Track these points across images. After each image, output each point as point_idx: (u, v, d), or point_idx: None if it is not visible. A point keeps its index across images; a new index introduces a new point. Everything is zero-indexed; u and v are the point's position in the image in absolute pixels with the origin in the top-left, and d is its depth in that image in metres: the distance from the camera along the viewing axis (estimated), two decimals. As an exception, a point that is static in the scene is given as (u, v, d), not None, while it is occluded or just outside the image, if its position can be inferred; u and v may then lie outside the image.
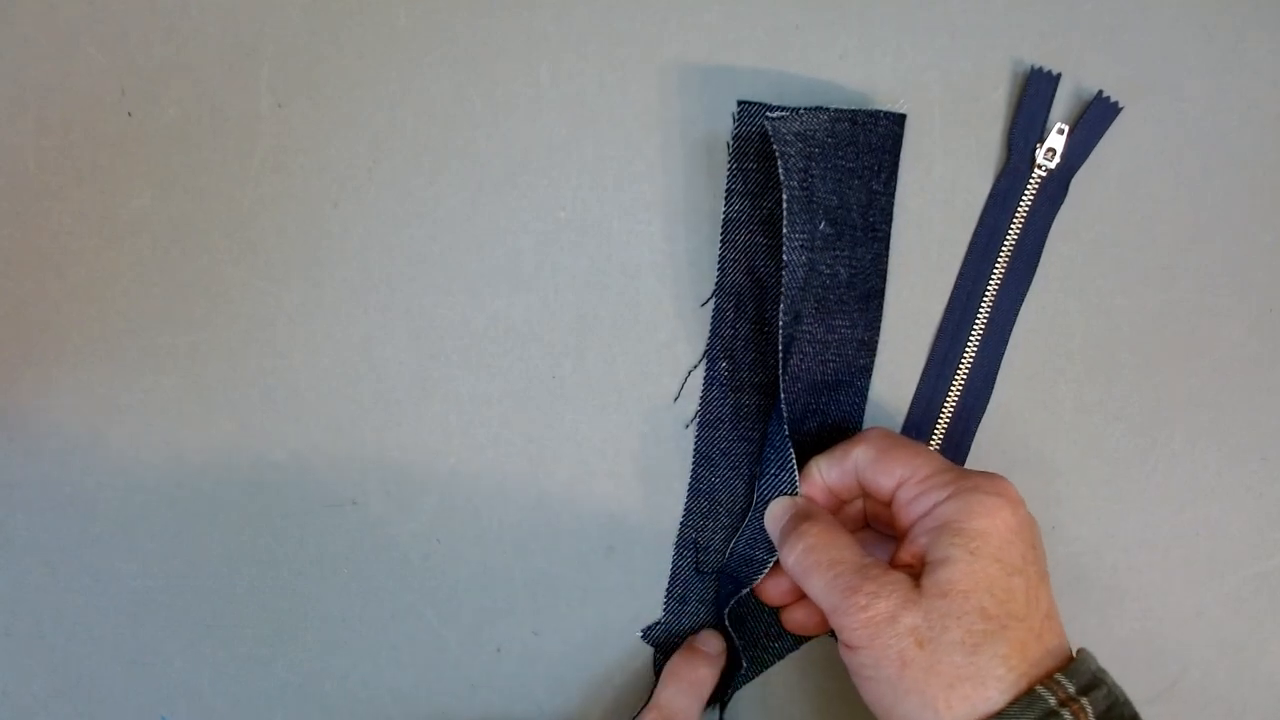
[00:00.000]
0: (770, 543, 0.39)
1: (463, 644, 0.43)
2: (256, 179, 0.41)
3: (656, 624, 0.43)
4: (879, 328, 0.41)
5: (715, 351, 0.41)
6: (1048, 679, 0.31)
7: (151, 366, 0.42)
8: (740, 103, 0.40)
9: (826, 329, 0.40)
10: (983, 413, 0.42)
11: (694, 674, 0.40)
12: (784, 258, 0.37)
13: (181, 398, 0.42)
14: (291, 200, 0.41)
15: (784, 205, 0.37)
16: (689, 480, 0.42)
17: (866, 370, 0.41)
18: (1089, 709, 0.31)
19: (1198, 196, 0.42)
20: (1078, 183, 0.41)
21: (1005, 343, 0.42)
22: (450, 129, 0.41)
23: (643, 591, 0.43)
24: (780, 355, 0.38)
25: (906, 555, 0.34)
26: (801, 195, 0.37)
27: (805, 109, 0.38)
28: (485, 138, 0.41)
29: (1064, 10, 0.41)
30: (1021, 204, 0.41)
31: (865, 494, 0.38)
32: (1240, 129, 0.42)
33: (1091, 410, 0.42)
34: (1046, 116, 0.41)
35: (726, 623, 0.41)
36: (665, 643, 0.43)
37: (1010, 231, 0.41)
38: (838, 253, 0.39)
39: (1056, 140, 0.40)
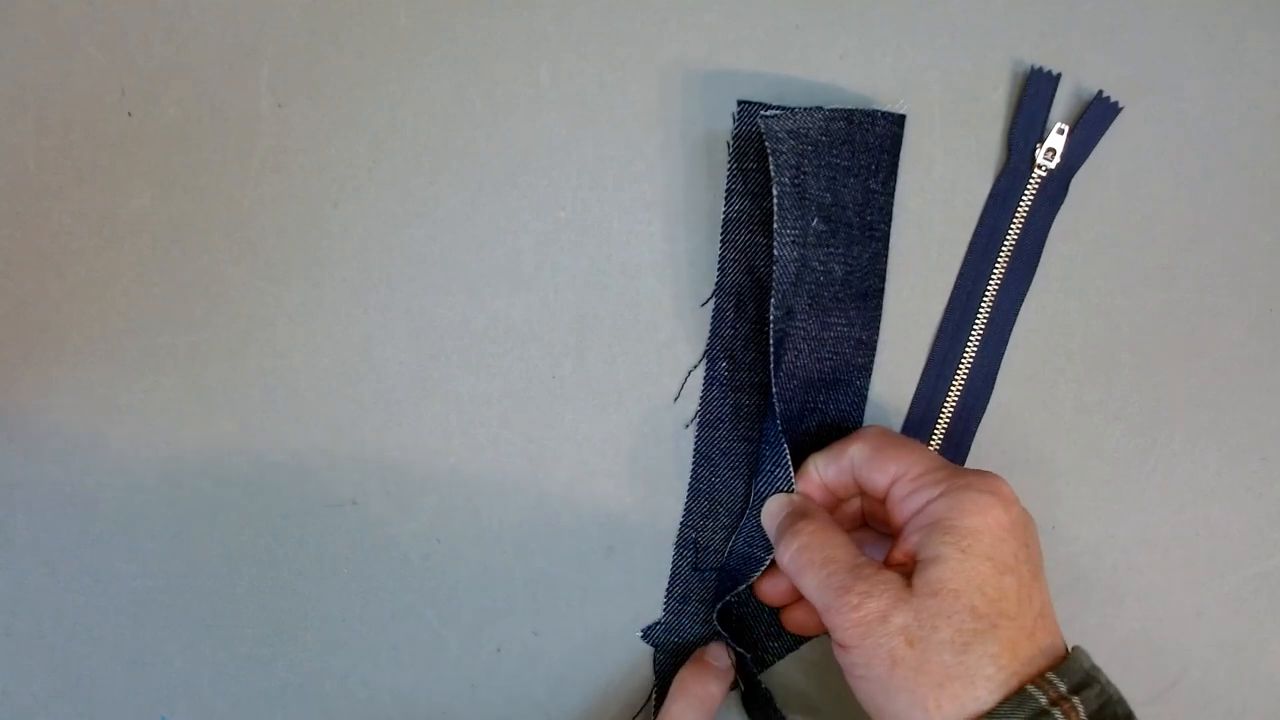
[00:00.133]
0: (768, 540, 0.39)
1: (463, 644, 0.43)
2: (256, 179, 0.41)
3: (656, 624, 0.43)
4: (878, 327, 0.41)
5: (715, 351, 0.41)
6: (1039, 678, 0.31)
7: (151, 366, 0.42)
8: (740, 103, 0.40)
9: (821, 326, 0.40)
10: (983, 413, 0.42)
11: (704, 689, 0.40)
12: (774, 253, 0.37)
13: (181, 398, 0.42)
14: (291, 200, 0.41)
15: (774, 200, 0.37)
16: (689, 480, 0.42)
17: (865, 369, 0.41)
18: (1080, 708, 0.31)
19: (1198, 196, 0.42)
20: (1078, 183, 0.41)
21: (1005, 343, 0.42)
22: (450, 129, 0.41)
23: (643, 591, 0.43)
24: (772, 350, 0.38)
25: (900, 554, 0.34)
26: (793, 191, 0.37)
27: (803, 108, 0.38)
28: (485, 138, 0.41)
29: (1064, 10, 0.41)
30: (1021, 204, 0.41)
31: (862, 492, 0.38)
32: (1240, 129, 0.42)
33: (1091, 410, 0.42)
34: (1046, 116, 0.41)
35: (715, 621, 0.41)
36: (665, 643, 0.43)
37: (1010, 231, 0.41)
38: (831, 250, 0.39)
39: (1056, 140, 0.40)
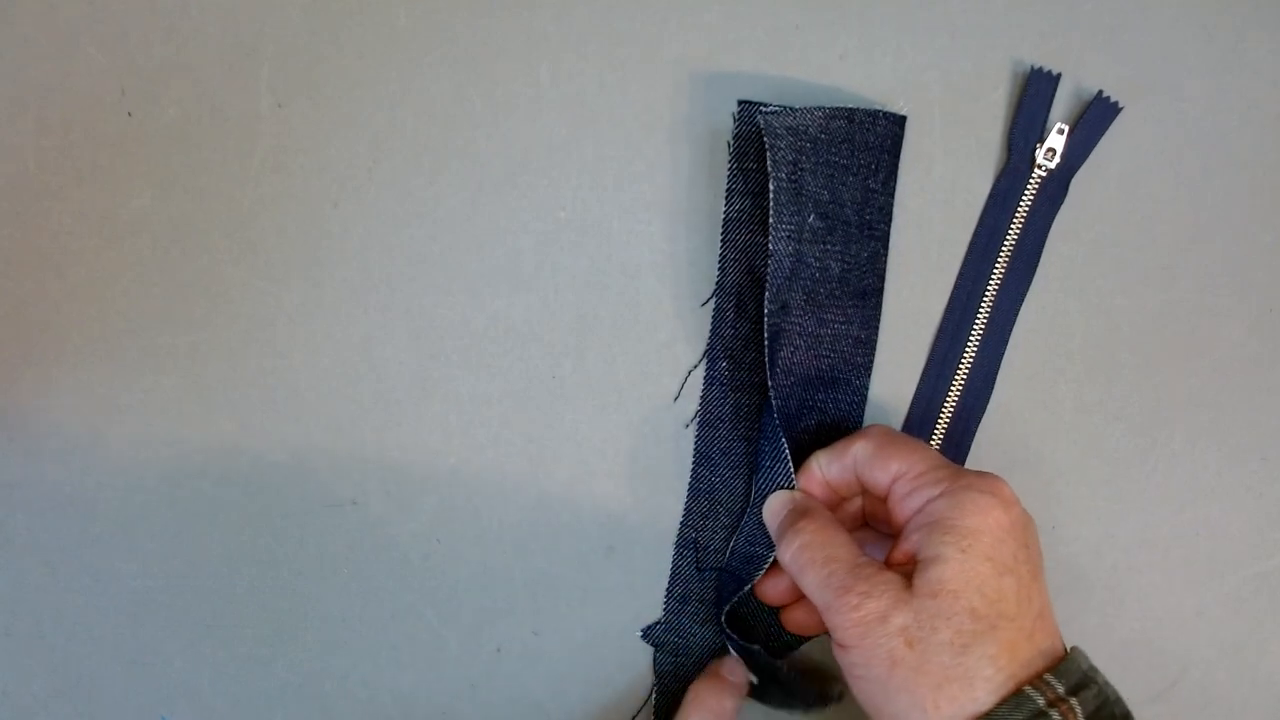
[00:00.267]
0: (769, 538, 0.39)
1: (463, 644, 0.43)
2: (256, 179, 0.41)
3: (656, 624, 0.43)
4: (877, 326, 0.41)
5: (715, 351, 0.41)
6: (1037, 679, 0.31)
7: (151, 366, 0.42)
8: (741, 102, 0.40)
9: (818, 323, 0.40)
10: (983, 413, 0.42)
11: (719, 704, 0.40)
12: (770, 247, 0.37)
13: (181, 398, 0.42)
14: (291, 200, 0.41)
15: (771, 195, 0.37)
16: (689, 480, 0.42)
17: (865, 368, 0.41)
18: (1078, 709, 0.31)
19: (1198, 196, 0.42)
20: (1078, 183, 0.41)
21: (1005, 343, 0.42)
22: (450, 129, 0.41)
23: (643, 591, 0.43)
24: (767, 344, 0.38)
25: (900, 554, 0.34)
26: (789, 186, 0.37)
27: (804, 107, 0.38)
28: (485, 138, 0.41)
29: (1064, 10, 0.41)
30: (1021, 204, 0.41)
31: (864, 491, 0.38)
32: (1240, 129, 0.42)
33: (1091, 410, 0.42)
34: (1046, 116, 0.41)
35: (723, 622, 0.41)
36: (665, 642, 0.43)
37: (1010, 231, 0.41)
38: (828, 247, 0.39)
39: (1056, 140, 0.40)
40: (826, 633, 0.40)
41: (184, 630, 0.43)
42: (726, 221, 0.41)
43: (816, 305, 0.40)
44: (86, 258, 0.41)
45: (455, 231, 0.42)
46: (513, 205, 0.41)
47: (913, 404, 0.42)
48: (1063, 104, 0.41)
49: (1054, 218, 0.41)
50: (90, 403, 0.42)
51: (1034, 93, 0.41)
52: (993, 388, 0.42)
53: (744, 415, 0.42)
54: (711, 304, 0.41)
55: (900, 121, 0.40)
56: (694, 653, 0.43)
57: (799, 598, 0.39)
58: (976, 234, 0.41)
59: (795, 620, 0.39)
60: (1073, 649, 0.33)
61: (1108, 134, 0.41)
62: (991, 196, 0.41)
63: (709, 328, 0.41)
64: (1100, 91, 0.40)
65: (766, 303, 0.38)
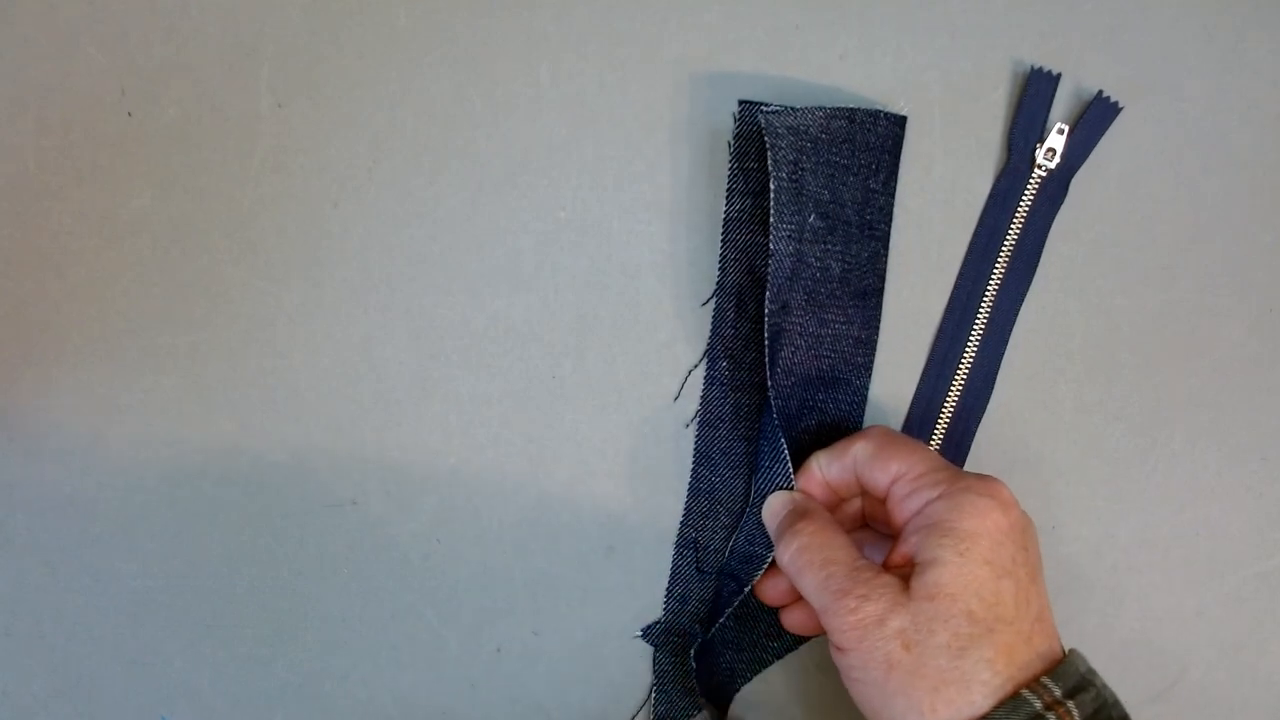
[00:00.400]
0: (769, 538, 0.39)
1: (463, 644, 0.43)
2: (256, 179, 0.41)
3: (656, 624, 0.43)
4: (877, 326, 0.41)
5: (716, 351, 0.41)
6: (1034, 682, 0.31)
7: (151, 366, 0.42)
8: (741, 102, 0.40)
9: (819, 323, 0.40)
10: (983, 413, 0.42)
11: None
12: (770, 246, 0.37)
13: (181, 398, 0.42)
14: (291, 200, 0.41)
15: (771, 195, 0.37)
16: (689, 480, 0.42)
17: (865, 368, 0.41)
18: (1075, 712, 0.31)
19: (1198, 196, 0.42)
20: (1078, 183, 0.41)
21: (1005, 343, 0.42)
22: (450, 129, 0.41)
23: (643, 591, 0.43)
24: (767, 343, 0.38)
25: (898, 556, 0.34)
26: (790, 186, 0.37)
27: (805, 107, 0.38)
28: (485, 138, 0.41)
29: (1064, 10, 0.41)
30: (1021, 204, 0.41)
31: (863, 492, 0.38)
32: (1240, 129, 0.42)
33: (1091, 410, 0.42)
34: (1046, 116, 0.41)
35: (692, 662, 0.41)
36: (665, 643, 0.43)
37: (1010, 231, 0.41)
38: (829, 247, 0.39)
39: (1056, 140, 0.40)
40: (825, 633, 0.40)
41: (184, 630, 0.43)
42: (727, 221, 0.41)
43: (817, 305, 0.40)
44: (86, 258, 0.41)
45: (455, 231, 0.42)
46: (513, 205, 0.41)
47: (913, 404, 0.42)
48: (1063, 104, 0.41)
49: (1054, 218, 0.41)
50: (90, 403, 0.42)
51: (1034, 93, 0.41)
52: (993, 388, 0.42)
53: (744, 415, 0.42)
54: (711, 304, 0.41)
55: (901, 122, 0.40)
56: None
57: (798, 598, 0.39)
58: (976, 234, 0.41)
59: (794, 620, 0.39)
60: (1071, 651, 0.33)
61: (1108, 134, 0.41)
62: (991, 196, 0.41)
63: (709, 328, 0.41)
64: (1100, 91, 0.40)
65: (767, 302, 0.38)
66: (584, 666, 0.43)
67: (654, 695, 0.43)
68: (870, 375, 0.42)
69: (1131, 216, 0.42)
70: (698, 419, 0.42)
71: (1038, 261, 0.41)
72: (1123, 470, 0.42)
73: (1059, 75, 0.40)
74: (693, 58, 0.41)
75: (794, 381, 0.40)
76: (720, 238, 0.41)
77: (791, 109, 0.38)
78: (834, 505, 0.39)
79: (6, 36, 0.40)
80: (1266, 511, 0.43)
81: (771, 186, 0.37)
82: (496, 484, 0.42)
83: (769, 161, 0.37)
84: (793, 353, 0.40)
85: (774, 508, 0.38)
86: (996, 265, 0.41)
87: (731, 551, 0.42)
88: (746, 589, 0.40)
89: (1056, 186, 0.41)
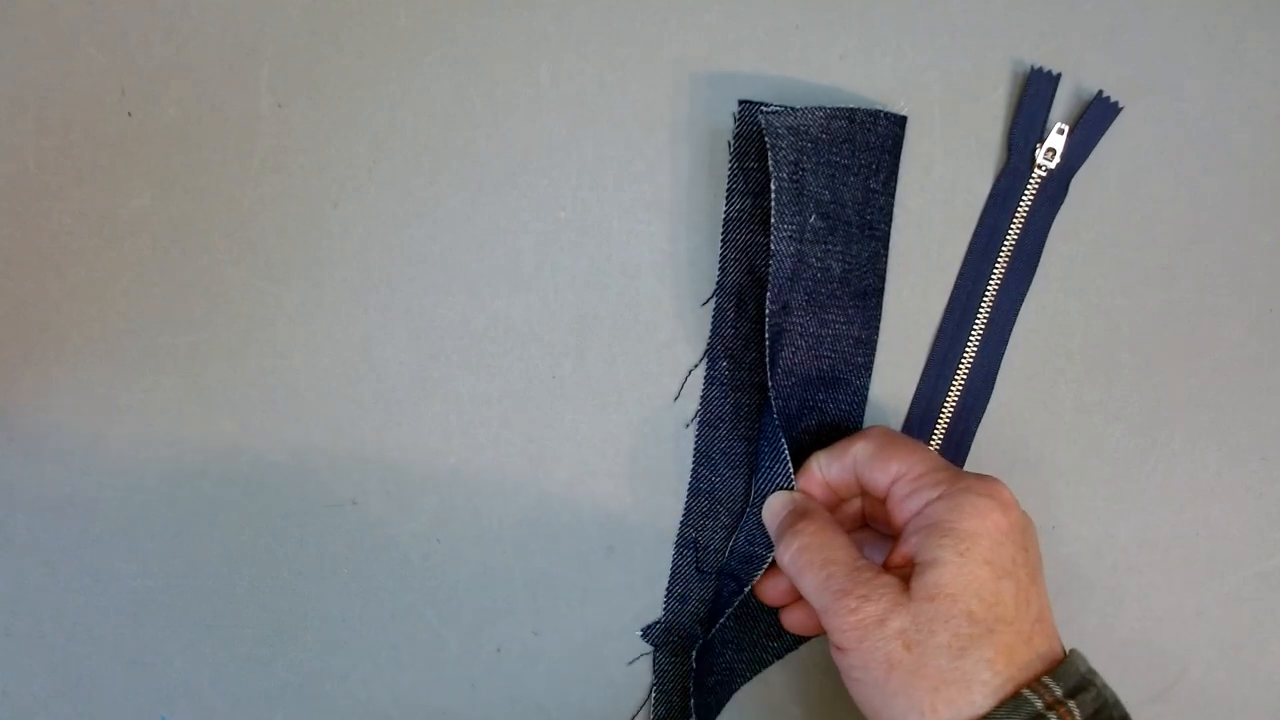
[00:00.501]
0: (769, 538, 0.39)
1: (463, 644, 0.43)
2: (256, 179, 0.41)
3: (656, 624, 0.43)
4: (877, 326, 0.41)
5: (716, 351, 0.41)
6: (1035, 682, 0.31)
7: (151, 366, 0.42)
8: (741, 102, 0.40)
9: (819, 323, 0.40)
10: (983, 413, 0.42)
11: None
12: (771, 247, 0.37)
13: (181, 398, 0.42)
14: (291, 200, 0.41)
15: (772, 195, 0.37)
16: (689, 480, 0.42)
17: (865, 369, 0.41)
18: (1076, 712, 0.31)
19: (1198, 196, 0.42)
20: (1078, 183, 0.41)
21: (1005, 343, 0.42)
22: (450, 129, 0.41)
23: (643, 591, 0.43)
24: (768, 343, 0.38)
25: (899, 556, 0.34)
26: (791, 187, 0.37)
27: (805, 107, 0.38)
28: (485, 138, 0.41)
29: (1064, 10, 0.41)
30: (1021, 204, 0.41)
31: (864, 492, 0.38)
32: (1240, 129, 0.42)
33: (1091, 410, 0.42)
34: (1046, 116, 0.41)
35: (693, 663, 0.41)
36: (665, 643, 0.43)
37: (1010, 231, 0.41)
38: (829, 247, 0.39)
39: (1056, 140, 0.40)
40: (826, 633, 0.40)
41: (184, 630, 0.43)
42: (727, 221, 0.41)
43: (818, 305, 0.40)
44: (86, 258, 0.41)
45: (455, 231, 0.42)
46: (513, 205, 0.41)
47: (913, 404, 0.42)
48: (1063, 104, 0.41)
49: (1054, 218, 0.41)
50: (90, 403, 0.42)
51: (1034, 93, 0.41)
52: (993, 388, 0.42)
53: (745, 415, 0.42)
54: (711, 304, 0.41)
55: (901, 122, 0.40)
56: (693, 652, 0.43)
57: (798, 598, 0.39)
58: (976, 234, 0.41)
59: (794, 620, 0.39)
60: (1071, 651, 0.33)
61: (1108, 134, 0.41)
62: (991, 196, 0.41)
63: (709, 328, 0.41)
64: (1100, 91, 0.40)
65: (768, 302, 0.38)
66: (584, 666, 0.43)
67: (654, 695, 0.43)
68: (870, 375, 0.42)
69: (1131, 216, 0.42)
70: (698, 419, 0.42)
71: (1038, 261, 0.41)
72: (1123, 470, 0.42)
73: (1059, 75, 0.40)
74: (693, 58, 0.41)
75: (794, 381, 0.40)
76: (720, 238, 0.41)
77: (791, 109, 0.38)
78: (834, 505, 0.39)
79: (6, 36, 0.40)
80: (1266, 511, 0.43)
81: (772, 187, 0.37)
82: (496, 484, 0.42)
83: (770, 162, 0.37)
84: (793, 353, 0.40)
85: (774, 508, 0.38)
86: (996, 265, 0.41)
87: (731, 551, 0.42)
88: (746, 589, 0.40)
89: (1056, 186, 0.41)
